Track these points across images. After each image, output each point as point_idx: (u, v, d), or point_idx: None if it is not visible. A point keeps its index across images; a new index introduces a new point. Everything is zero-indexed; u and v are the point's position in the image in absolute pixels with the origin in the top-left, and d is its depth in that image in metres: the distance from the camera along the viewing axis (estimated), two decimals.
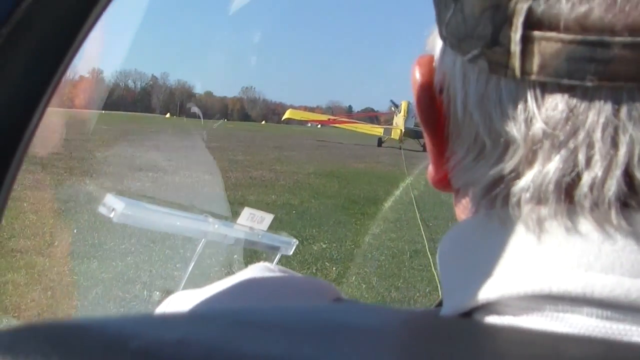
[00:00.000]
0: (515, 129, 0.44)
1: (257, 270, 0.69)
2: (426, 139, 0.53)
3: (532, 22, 0.41)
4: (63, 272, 6.22)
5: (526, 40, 0.42)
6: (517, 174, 0.45)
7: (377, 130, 40.75)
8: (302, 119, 54.70)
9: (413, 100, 0.54)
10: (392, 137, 37.85)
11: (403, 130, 36.93)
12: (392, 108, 43.08)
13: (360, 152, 30.69)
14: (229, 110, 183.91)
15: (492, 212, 0.47)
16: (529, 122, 0.43)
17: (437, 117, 0.52)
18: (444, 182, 0.54)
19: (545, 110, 0.42)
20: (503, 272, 0.45)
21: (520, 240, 0.45)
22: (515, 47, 0.42)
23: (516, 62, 0.42)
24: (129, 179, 11.96)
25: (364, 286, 6.83)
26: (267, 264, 0.73)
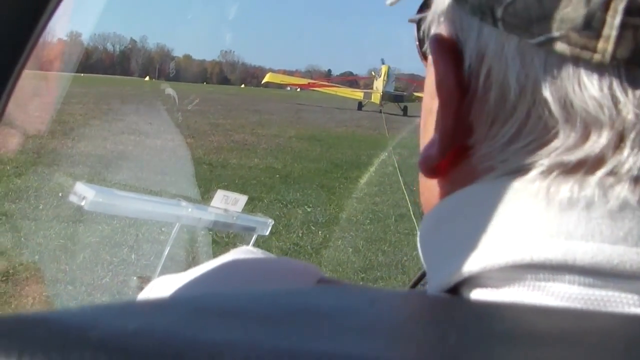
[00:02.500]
0: (602, 113, 0.42)
1: (240, 253, 0.68)
2: (440, 120, 0.50)
3: (633, 9, 0.40)
4: (50, 236, 6.19)
5: (624, 27, 0.40)
6: (601, 158, 0.43)
7: (357, 94, 40.87)
8: (281, 82, 54.55)
9: (427, 78, 0.53)
10: (372, 101, 38.02)
11: (382, 94, 37.26)
12: (372, 72, 43.20)
13: (341, 115, 30.69)
14: (208, 74, 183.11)
15: (478, 189, 0.48)
16: (618, 107, 0.42)
17: (461, 100, 0.49)
18: (445, 165, 0.51)
19: (634, 97, 0.41)
20: (485, 244, 0.45)
21: (506, 212, 0.45)
22: (611, 32, 0.41)
23: (609, 47, 0.41)
24: (110, 142, 11.88)
25: (350, 250, 6.87)
26: (249, 247, 0.72)
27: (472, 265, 0.45)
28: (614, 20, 0.40)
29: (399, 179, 10.54)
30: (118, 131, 12.98)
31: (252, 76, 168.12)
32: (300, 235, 7.29)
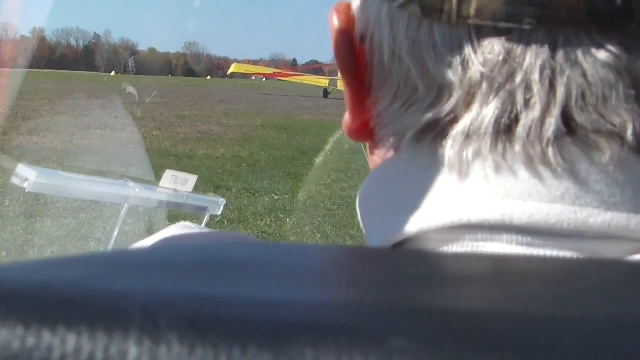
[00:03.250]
0: (451, 73, 0.43)
1: (176, 229, 0.68)
2: (345, 88, 0.52)
3: None
4: (17, 232, 6.11)
5: None
6: (454, 117, 0.44)
7: (323, 81, 40.72)
8: (247, 72, 54.43)
9: (331, 47, 0.53)
10: (338, 88, 37.89)
11: None
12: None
13: (307, 103, 30.73)
14: (173, 66, 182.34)
15: (420, 152, 0.46)
16: (465, 65, 0.43)
17: (357, 65, 0.50)
18: (361, 131, 0.53)
19: (482, 54, 0.42)
20: (423, 207, 0.45)
21: (446, 177, 0.45)
22: None
23: (452, 6, 0.42)
24: (77, 137, 11.83)
25: (318, 236, 6.87)
26: (187, 223, 0.72)
27: (409, 226, 0.45)
28: None
29: (366, 163, 10.46)
30: (84, 126, 12.91)
31: (217, 67, 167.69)
32: (268, 222, 7.27)
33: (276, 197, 8.57)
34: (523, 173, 0.42)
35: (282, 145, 13.73)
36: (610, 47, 0.41)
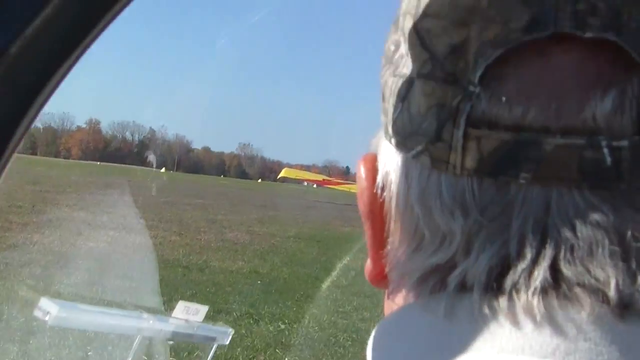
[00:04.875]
0: (453, 221, 0.46)
1: None
2: (367, 234, 0.55)
3: (474, 121, 0.45)
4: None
5: (467, 137, 0.45)
6: (453, 264, 0.47)
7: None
8: (296, 177, 54.09)
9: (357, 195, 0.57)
10: None
11: None
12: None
13: (350, 213, 29.71)
14: (227, 167, 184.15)
15: (424, 300, 0.49)
16: (465, 214, 0.46)
17: (379, 213, 0.54)
18: (381, 277, 0.56)
19: (482, 204, 0.45)
20: (428, 358, 0.46)
21: (446, 327, 0.46)
22: (457, 144, 0.45)
23: (457, 157, 0.46)
24: (83, 237, 10.91)
25: None
26: None
27: None
28: (458, 132, 0.45)
29: None
30: (99, 225, 11.97)
31: (270, 170, 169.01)
32: None
33: (282, 327, 7.45)
34: (510, 325, 0.45)
35: (309, 261, 12.67)
36: (600, 206, 0.44)
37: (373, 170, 0.54)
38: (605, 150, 0.43)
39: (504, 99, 0.44)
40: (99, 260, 9.20)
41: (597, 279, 0.44)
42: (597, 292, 0.44)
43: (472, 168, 0.45)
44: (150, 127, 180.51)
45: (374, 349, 0.52)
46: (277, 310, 8.19)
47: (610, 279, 0.44)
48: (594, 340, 0.44)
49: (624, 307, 0.44)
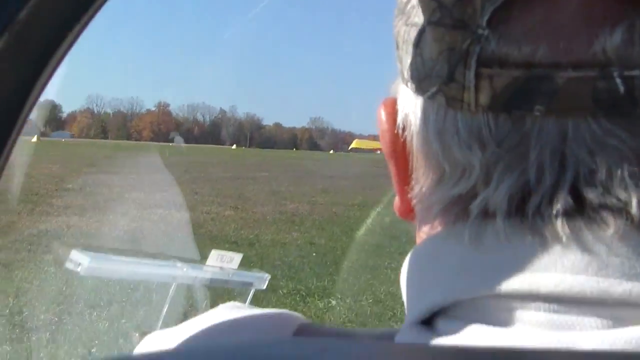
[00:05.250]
0: (471, 155, 0.48)
1: (225, 309, 0.71)
2: (392, 173, 0.58)
3: (484, 61, 0.46)
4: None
5: (479, 77, 0.46)
6: (474, 194, 0.49)
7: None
8: (367, 147, 53.33)
9: (379, 136, 0.59)
10: None
11: None
12: None
13: None
14: (298, 140, 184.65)
15: (449, 228, 0.51)
16: (483, 148, 0.47)
17: (401, 152, 0.56)
18: (409, 211, 0.58)
19: (499, 137, 0.47)
20: (457, 280, 0.48)
21: (473, 251, 0.48)
22: (470, 83, 0.47)
23: (471, 96, 0.47)
24: (139, 219, 10.26)
25: None
26: (236, 302, 0.75)
27: (445, 297, 0.49)
28: (470, 72, 0.47)
29: None
30: (150, 204, 11.31)
31: (342, 142, 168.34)
32: None
33: (332, 303, 6.63)
34: (537, 246, 0.46)
35: (372, 228, 11.64)
36: (617, 131, 0.45)
37: (393, 113, 0.56)
38: (618, 80, 0.44)
39: (512, 39, 0.46)
40: (137, 239, 8.52)
41: (619, 199, 0.45)
42: (621, 212, 0.45)
43: (487, 104, 0.47)
44: (221, 108, 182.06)
45: (406, 277, 0.54)
46: (330, 284, 7.38)
47: (632, 198, 0.45)
48: (625, 255, 0.45)
49: None
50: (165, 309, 3.38)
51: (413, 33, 0.52)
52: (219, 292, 4.74)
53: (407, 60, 0.53)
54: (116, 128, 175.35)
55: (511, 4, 0.46)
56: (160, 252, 6.10)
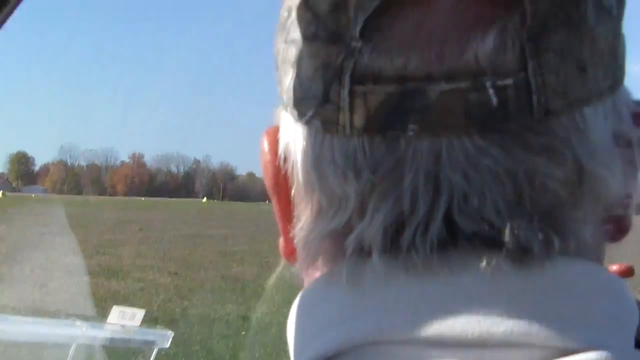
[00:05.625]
0: (346, 184, 0.46)
1: None
2: (275, 209, 0.55)
3: (358, 77, 0.44)
4: None
5: (353, 95, 0.44)
6: (349, 228, 0.47)
7: None
8: None
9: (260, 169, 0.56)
10: None
11: None
12: None
13: None
14: None
15: (329, 269, 0.49)
16: (358, 175, 0.45)
17: (283, 186, 0.53)
18: (292, 252, 0.55)
19: (374, 163, 0.45)
20: (338, 327, 0.46)
21: (353, 293, 0.46)
22: (344, 103, 0.45)
23: (346, 117, 0.45)
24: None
25: None
26: None
27: (327, 346, 0.46)
28: (344, 91, 0.45)
29: None
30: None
31: None
32: None
33: None
34: (415, 285, 0.45)
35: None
36: (490, 150, 0.43)
37: (275, 143, 0.53)
38: (491, 91, 0.43)
39: (385, 50, 0.44)
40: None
41: (491, 226, 0.44)
42: (494, 240, 0.44)
43: (361, 127, 0.45)
44: (195, 158, 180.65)
45: (290, 327, 0.52)
46: None
47: (505, 224, 0.43)
48: (500, 291, 0.43)
49: (523, 252, 0.43)
50: None
51: (292, 51, 0.49)
52: (121, 352, 4.68)
53: (286, 81, 0.50)
54: (90, 182, 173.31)
55: (384, 12, 0.44)
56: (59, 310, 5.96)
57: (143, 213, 36.15)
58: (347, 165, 0.45)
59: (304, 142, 0.48)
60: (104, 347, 3.33)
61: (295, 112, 0.49)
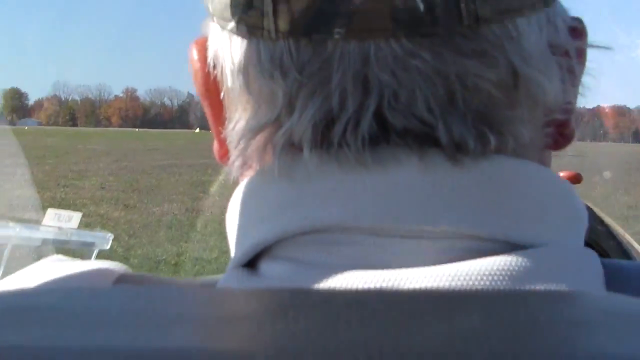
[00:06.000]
0: (273, 84, 0.46)
1: (46, 262, 0.67)
2: (207, 114, 0.55)
3: None
4: None
5: (276, 1, 0.44)
6: (278, 124, 0.47)
7: None
8: None
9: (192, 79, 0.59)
10: None
11: None
12: None
13: None
14: None
15: (262, 164, 0.50)
16: (285, 76, 0.45)
17: (214, 92, 0.53)
18: (226, 153, 0.55)
19: (300, 64, 0.45)
20: (274, 217, 0.47)
21: (286, 186, 0.47)
22: (268, 8, 0.45)
23: (270, 22, 0.45)
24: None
25: None
26: (59, 256, 0.71)
27: (263, 236, 0.47)
28: None
29: None
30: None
31: None
32: None
33: None
34: (347, 177, 0.45)
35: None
36: (419, 52, 0.43)
37: (204, 52, 0.53)
38: None
39: None
40: None
41: (423, 122, 0.44)
42: (427, 136, 0.44)
43: (286, 30, 0.45)
44: (188, 92, 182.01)
45: (227, 220, 0.52)
46: None
47: (438, 121, 0.44)
48: (428, 183, 0.44)
49: (456, 149, 0.44)
50: (0, 272, 2.77)
51: None
52: (60, 253, 3.18)
53: None
54: (84, 115, 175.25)
55: None
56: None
57: (129, 143, 35.23)
58: (273, 66, 0.46)
59: (231, 48, 0.49)
60: (41, 247, 2.98)
61: (222, 20, 0.49)
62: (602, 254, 1.79)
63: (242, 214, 0.50)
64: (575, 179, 2.17)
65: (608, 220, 2.26)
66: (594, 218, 1.95)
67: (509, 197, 0.45)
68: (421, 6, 0.43)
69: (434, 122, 0.44)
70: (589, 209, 1.75)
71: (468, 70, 0.44)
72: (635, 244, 2.25)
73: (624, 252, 1.95)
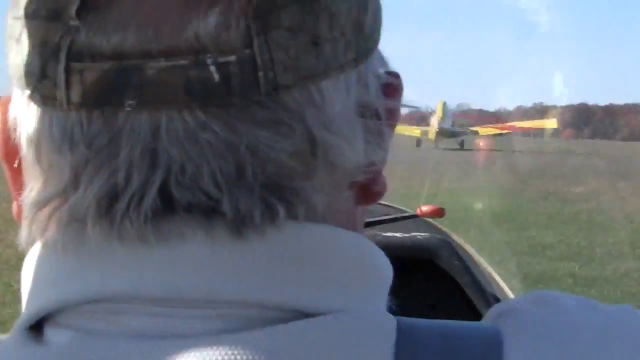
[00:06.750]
0: (61, 158, 0.45)
1: None
2: (7, 177, 0.54)
3: (75, 55, 0.43)
4: None
5: (70, 72, 0.43)
6: (65, 198, 0.46)
7: (415, 131, 41.45)
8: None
9: None
10: (428, 137, 38.83)
11: (437, 131, 37.97)
12: (429, 109, 43.50)
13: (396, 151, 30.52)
14: None
15: (47, 235, 0.48)
16: (73, 149, 0.44)
17: (13, 155, 0.51)
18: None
19: (90, 137, 0.44)
20: (56, 287, 0.47)
21: (69, 259, 0.47)
22: (60, 79, 0.44)
23: (62, 93, 0.44)
24: None
25: None
26: None
27: (43, 304, 0.47)
28: (60, 67, 0.44)
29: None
30: None
31: None
32: None
33: None
34: (123, 250, 0.45)
35: None
36: (210, 124, 0.43)
37: (5, 113, 0.51)
38: (212, 68, 0.42)
39: (102, 28, 0.43)
40: None
41: (209, 197, 0.43)
42: (214, 210, 0.44)
43: (78, 102, 0.43)
44: None
45: (21, 281, 0.52)
46: None
47: (224, 195, 0.43)
48: (212, 256, 0.44)
49: (241, 222, 0.44)
50: None
51: (16, 27, 0.47)
52: None
53: (10, 57, 0.48)
54: None
55: None
56: None
57: None
58: (63, 139, 0.44)
59: (26, 116, 0.47)
60: None
61: (20, 87, 0.47)
62: (457, 289, 1.96)
63: (31, 280, 0.50)
64: (438, 213, 2.18)
65: (469, 252, 2.38)
66: (451, 254, 2.02)
67: (297, 264, 0.45)
68: (216, 76, 0.42)
69: (219, 197, 0.43)
70: (448, 245, 2.06)
71: (260, 140, 0.43)
72: (496, 275, 2.45)
73: (479, 287, 2.00)
